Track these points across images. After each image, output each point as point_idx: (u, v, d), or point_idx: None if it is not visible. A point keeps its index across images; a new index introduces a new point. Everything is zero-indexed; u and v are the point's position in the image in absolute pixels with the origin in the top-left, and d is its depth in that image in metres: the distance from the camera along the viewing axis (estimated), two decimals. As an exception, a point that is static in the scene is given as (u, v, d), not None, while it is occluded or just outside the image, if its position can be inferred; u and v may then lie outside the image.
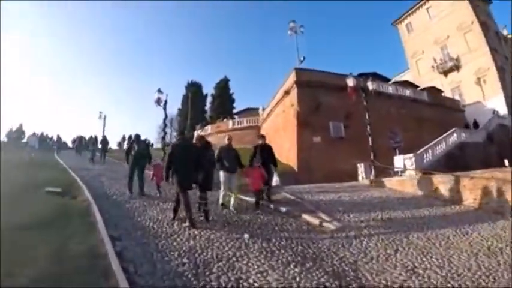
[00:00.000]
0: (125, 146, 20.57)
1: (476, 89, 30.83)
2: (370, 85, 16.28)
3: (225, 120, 36.14)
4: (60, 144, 29.69)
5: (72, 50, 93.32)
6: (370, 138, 14.97)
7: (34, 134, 18.77)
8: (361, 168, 15.20)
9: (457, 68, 32.85)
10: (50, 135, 31.72)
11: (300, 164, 18.68)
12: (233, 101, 52.03)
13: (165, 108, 15.69)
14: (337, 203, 9.12)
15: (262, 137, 9.76)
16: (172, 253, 4.62)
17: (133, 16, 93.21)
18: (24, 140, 18.04)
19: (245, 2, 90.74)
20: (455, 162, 16.97)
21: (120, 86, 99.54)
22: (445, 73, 33.84)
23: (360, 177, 15.03)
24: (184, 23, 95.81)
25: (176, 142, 8.13)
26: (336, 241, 5.60)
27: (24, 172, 12.45)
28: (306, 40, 27.37)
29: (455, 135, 19.97)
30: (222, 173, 7.70)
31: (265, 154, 8.72)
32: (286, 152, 20.82)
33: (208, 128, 34.70)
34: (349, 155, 17.44)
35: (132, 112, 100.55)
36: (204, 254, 4.68)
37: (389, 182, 13.11)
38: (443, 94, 30.95)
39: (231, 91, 52.58)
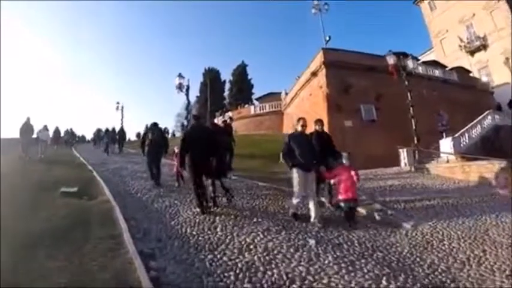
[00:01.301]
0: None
1: (504, 70, 28.45)
2: (411, 63, 14.82)
3: (246, 105, 35.01)
4: (75, 137, 29.32)
5: (85, 40, 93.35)
6: (413, 121, 13.73)
7: (45, 127, 17.06)
8: (403, 153, 13.85)
9: (484, 47, 30.55)
10: (65, 129, 31.14)
11: (332, 150, 17.28)
12: (252, 86, 50.72)
13: (187, 94, 14.63)
14: (392, 192, 8.33)
15: (320, 122, 7.20)
16: (226, 275, 3.47)
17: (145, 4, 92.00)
18: (34, 136, 16.01)
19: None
20: (491, 145, 15.82)
21: (135, 76, 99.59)
22: (472, 53, 31.57)
23: (402, 163, 13.73)
24: (199, 7, 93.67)
25: (190, 126, 7.70)
26: (415, 242, 4.84)
27: (35, 171, 11.06)
28: (321, 21, 25.82)
29: (489, 117, 18.46)
30: (295, 172, 5.63)
31: (324, 145, 6.62)
32: (315, 137, 19.53)
33: (229, 114, 33.54)
34: (382, 139, 16.61)
35: (150, 103, 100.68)
36: (269, 273, 3.55)
37: (437, 169, 12.16)
38: (471, 74, 29.08)
39: (249, 77, 51.24)
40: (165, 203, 6.55)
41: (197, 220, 5.40)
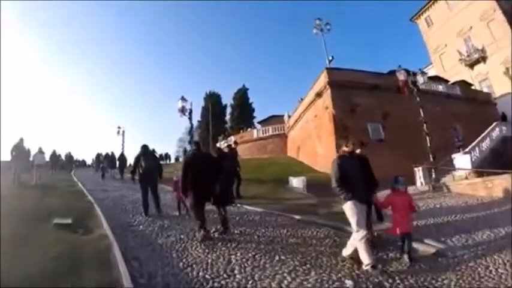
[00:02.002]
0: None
1: (505, 80, 28.27)
2: (421, 79, 14.30)
3: (249, 129, 34.55)
4: (74, 162, 28.33)
5: (86, 62, 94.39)
6: (428, 139, 13.04)
7: (40, 150, 15.80)
8: (419, 172, 13.12)
9: (483, 59, 30.74)
10: (64, 153, 29.55)
11: (341, 173, 16.57)
12: (253, 110, 50.73)
13: (190, 118, 14.11)
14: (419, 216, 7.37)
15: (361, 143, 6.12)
16: None
17: (144, 22, 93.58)
18: (31, 159, 15.07)
19: (262, 2, 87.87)
20: (500, 158, 15.45)
21: (136, 100, 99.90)
22: (471, 65, 31.75)
23: (418, 183, 12.99)
24: (198, 30, 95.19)
25: (190, 152, 7.09)
26: (460, 272, 4.13)
27: (28, 199, 10.06)
28: (324, 41, 25.74)
29: (497, 129, 18.31)
30: (352, 206, 4.41)
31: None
32: (322, 158, 18.87)
33: (231, 139, 33.05)
34: (391, 158, 15.63)
35: (151, 127, 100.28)
36: None
37: (457, 186, 11.48)
38: (472, 87, 28.96)
39: (250, 100, 51.17)
40: (170, 238, 5.77)
41: (209, 260, 4.59)
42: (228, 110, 51.15)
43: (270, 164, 21.41)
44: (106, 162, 22.38)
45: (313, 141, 20.53)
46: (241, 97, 50.11)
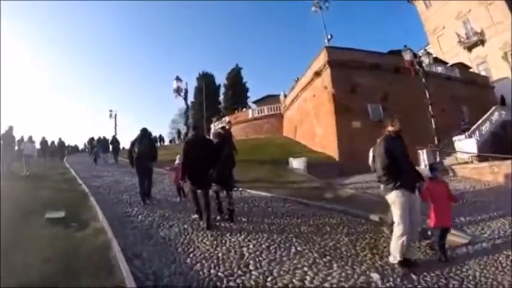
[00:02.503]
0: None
1: (503, 64, 28.02)
2: (426, 59, 13.87)
3: (244, 109, 33.87)
4: (65, 148, 26.19)
5: (74, 47, 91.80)
6: (433, 121, 12.97)
7: (30, 139, 14.26)
8: (423, 154, 12.79)
9: (481, 42, 30.21)
10: (57, 140, 26.34)
11: (341, 153, 16.25)
12: (247, 90, 49.76)
13: (185, 98, 13.57)
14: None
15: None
16: None
17: (136, 7, 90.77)
18: (21, 147, 13.80)
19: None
20: (500, 142, 15.23)
21: (127, 83, 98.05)
22: (469, 48, 31.22)
23: (422, 165, 12.62)
24: (191, 8, 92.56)
25: (190, 137, 6.68)
26: (483, 262, 3.93)
27: (17, 192, 8.85)
28: (323, 19, 24.96)
29: (496, 113, 18.15)
30: (400, 195, 3.83)
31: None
32: (321, 139, 18.55)
33: (226, 119, 32.33)
34: None
35: (143, 110, 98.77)
36: None
37: (463, 170, 11.32)
38: (470, 70, 28.48)
39: (244, 80, 50.14)
40: (173, 229, 5.31)
41: (220, 254, 4.18)
42: (222, 90, 50.19)
43: (266, 144, 20.92)
44: (98, 147, 21.39)
45: (311, 121, 20.03)
46: (235, 77, 48.96)
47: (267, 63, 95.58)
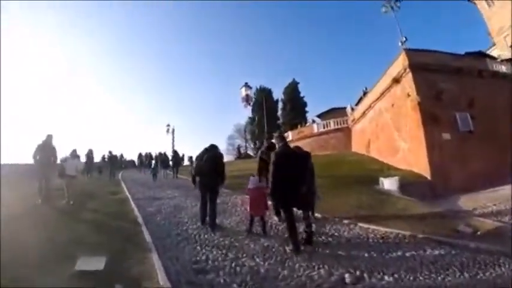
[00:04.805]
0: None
1: None
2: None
3: (306, 124, 32.29)
4: (115, 162, 22.35)
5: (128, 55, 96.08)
6: None
7: (74, 153, 11.56)
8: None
9: None
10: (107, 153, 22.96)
11: (433, 169, 13.97)
12: (305, 104, 48.23)
13: (253, 107, 12.40)
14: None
15: None
16: None
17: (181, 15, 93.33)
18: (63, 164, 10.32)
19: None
20: None
21: (182, 99, 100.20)
22: None
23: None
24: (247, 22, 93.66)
25: (281, 149, 5.59)
26: None
27: (47, 226, 6.80)
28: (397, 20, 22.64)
29: None
30: None
31: None
32: (405, 154, 16.27)
33: (289, 134, 30.95)
34: (481, 152, 14.52)
35: (196, 125, 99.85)
36: None
37: None
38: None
39: (301, 94, 48.70)
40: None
41: None
42: (279, 105, 49.14)
43: (339, 161, 18.96)
44: (158, 162, 21.49)
45: (391, 135, 17.80)
46: (292, 91, 47.92)
47: (319, 76, 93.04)
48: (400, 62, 16.92)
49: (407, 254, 4.59)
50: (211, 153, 6.82)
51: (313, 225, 5.64)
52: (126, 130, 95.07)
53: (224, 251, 5.03)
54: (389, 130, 18.08)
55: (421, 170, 14.47)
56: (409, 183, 12.09)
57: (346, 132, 26.21)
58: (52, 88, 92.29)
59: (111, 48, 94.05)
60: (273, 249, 5.04)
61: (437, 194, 12.48)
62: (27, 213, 7.95)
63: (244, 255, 4.82)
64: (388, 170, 15.00)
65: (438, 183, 13.48)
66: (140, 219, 7.46)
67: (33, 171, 9.72)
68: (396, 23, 20.52)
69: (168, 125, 26.20)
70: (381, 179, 11.57)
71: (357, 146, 24.04)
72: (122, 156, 27.57)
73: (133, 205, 9.47)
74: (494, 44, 32.27)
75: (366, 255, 4.61)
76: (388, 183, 11.13)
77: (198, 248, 5.26)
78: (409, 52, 16.94)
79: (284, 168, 5.05)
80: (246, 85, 11.85)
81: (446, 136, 15.16)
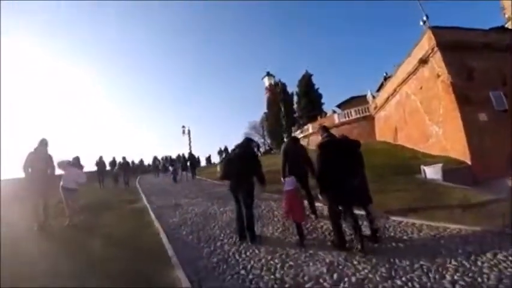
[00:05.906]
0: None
1: None
2: None
3: (328, 114, 31.50)
4: (129, 169, 21.09)
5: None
6: None
7: (77, 160, 8.76)
8: None
9: None
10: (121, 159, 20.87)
11: (472, 153, 13.07)
12: (320, 96, 47.14)
13: (281, 96, 11.74)
14: None
15: None
16: None
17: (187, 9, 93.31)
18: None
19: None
20: None
21: (192, 99, 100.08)
22: None
23: None
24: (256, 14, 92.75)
25: (325, 139, 5.03)
26: None
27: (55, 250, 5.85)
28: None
29: None
30: None
31: None
32: (439, 139, 15.36)
33: (309, 127, 30.15)
34: None
35: (209, 126, 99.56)
36: None
37: None
38: None
39: (316, 86, 47.69)
40: None
41: None
42: (295, 98, 48.27)
43: (367, 151, 17.77)
44: (177, 164, 21.55)
45: (422, 119, 16.84)
46: (307, 83, 46.86)
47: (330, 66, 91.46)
48: (426, 42, 16.00)
49: (500, 256, 3.76)
50: (246, 152, 5.70)
51: (377, 222, 4.98)
52: (131, 134, 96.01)
53: (278, 275, 3.92)
54: (419, 115, 17.14)
55: (459, 155, 13.59)
56: (451, 170, 11.26)
57: (369, 120, 25.31)
58: (54, 93, 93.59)
59: (113, 48, 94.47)
60: (340, 267, 3.96)
61: (480, 180, 11.65)
62: (17, 243, 6.20)
63: (306, 278, 3.77)
64: (423, 158, 14.18)
65: (479, 167, 12.61)
66: (161, 232, 6.50)
67: (26, 188, 7.59)
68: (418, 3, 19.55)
69: (184, 127, 25.57)
70: (422, 167, 10.79)
71: (382, 134, 23.13)
72: (133, 162, 27.55)
73: (152, 214, 8.64)
74: (508, 21, 30.19)
75: (454, 262, 3.75)
76: (431, 172, 10.38)
77: (243, 272, 4.13)
78: (436, 30, 15.96)
79: (331, 161, 4.59)
80: (269, 74, 11.13)
81: (483, 117, 14.22)
